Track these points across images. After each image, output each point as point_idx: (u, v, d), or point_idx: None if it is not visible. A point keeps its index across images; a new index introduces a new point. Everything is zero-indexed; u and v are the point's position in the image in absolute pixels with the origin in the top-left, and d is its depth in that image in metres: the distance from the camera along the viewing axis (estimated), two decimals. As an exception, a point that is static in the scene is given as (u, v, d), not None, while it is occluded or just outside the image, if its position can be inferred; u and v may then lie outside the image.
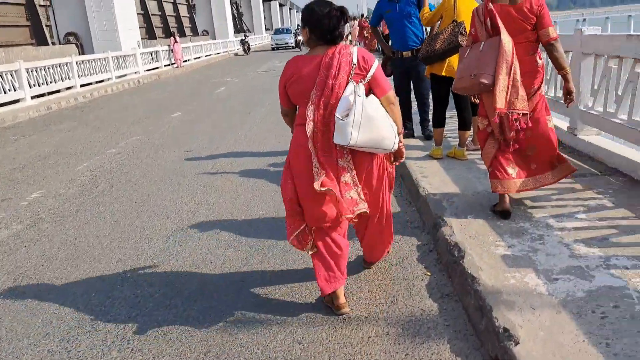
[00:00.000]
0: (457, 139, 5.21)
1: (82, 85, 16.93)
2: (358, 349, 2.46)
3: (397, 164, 2.83)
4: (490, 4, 3.34)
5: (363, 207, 2.65)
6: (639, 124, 4.17)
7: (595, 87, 4.89)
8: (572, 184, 4.12)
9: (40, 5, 19.82)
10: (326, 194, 2.55)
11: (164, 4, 32.99)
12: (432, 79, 5.17)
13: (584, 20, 53.66)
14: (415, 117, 6.26)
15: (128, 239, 4.11)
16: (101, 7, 20.99)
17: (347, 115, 2.43)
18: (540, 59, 3.49)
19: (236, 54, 36.71)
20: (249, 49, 35.33)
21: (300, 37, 32.67)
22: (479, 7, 3.49)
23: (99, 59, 18.27)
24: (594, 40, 4.76)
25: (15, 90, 13.24)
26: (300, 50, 31.77)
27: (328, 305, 2.81)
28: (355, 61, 2.48)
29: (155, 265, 3.60)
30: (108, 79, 18.61)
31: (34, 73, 14.24)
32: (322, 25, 2.48)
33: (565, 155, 3.81)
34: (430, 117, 5.53)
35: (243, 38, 36.15)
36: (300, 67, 2.53)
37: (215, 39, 37.97)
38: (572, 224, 3.34)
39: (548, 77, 5.93)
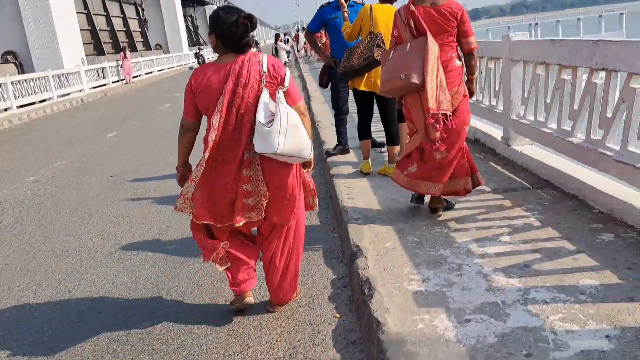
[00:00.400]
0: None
1: (21, 106, 16.10)
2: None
3: (307, 172, 2.82)
4: (412, 5, 3.37)
5: (255, 216, 2.57)
6: (568, 134, 3.95)
7: (526, 94, 4.68)
8: (502, 200, 3.86)
9: (-26, 24, 18.85)
10: (224, 195, 2.51)
11: (112, 18, 32.07)
12: (353, 91, 4.88)
13: (536, 24, 55.22)
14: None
15: (13, 287, 3.62)
16: (40, 24, 20.12)
17: (272, 122, 2.37)
18: (459, 60, 3.53)
19: (191, 68, 36.00)
20: (204, 62, 34.69)
21: (255, 49, 31.51)
22: (401, 8, 3.47)
23: (38, 77, 17.43)
24: (521, 46, 4.56)
25: (-60, 115, 12.38)
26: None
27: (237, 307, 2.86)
28: (265, 69, 2.44)
29: (34, 317, 3.13)
30: (49, 99, 17.77)
31: (-37, 95, 13.38)
32: (229, 34, 2.43)
33: (477, 174, 3.70)
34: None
35: (197, 51, 35.50)
36: (210, 75, 2.45)
37: (169, 53, 37.19)
38: (495, 248, 3.05)
39: (482, 85, 5.73)
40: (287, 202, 2.63)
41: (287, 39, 26.53)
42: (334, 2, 5.40)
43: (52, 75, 18.07)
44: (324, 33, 13.71)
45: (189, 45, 44.49)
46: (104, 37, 30.41)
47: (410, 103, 3.46)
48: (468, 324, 2.31)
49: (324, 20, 5.57)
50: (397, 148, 4.79)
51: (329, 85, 5.75)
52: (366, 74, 4.60)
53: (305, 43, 19.55)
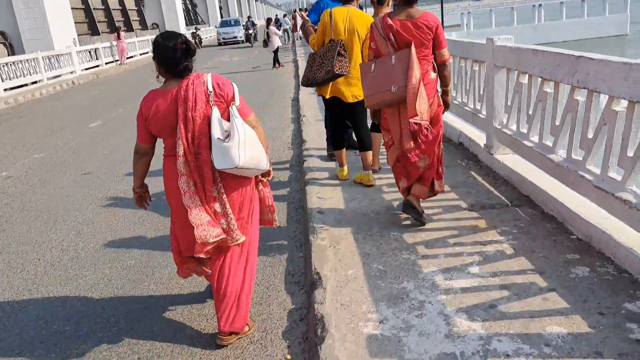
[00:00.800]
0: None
1: (11, 88, 15.80)
2: None
3: (266, 184, 2.88)
4: (388, 19, 3.37)
5: (233, 237, 2.59)
6: (549, 150, 3.73)
7: (509, 103, 4.44)
8: (477, 219, 3.66)
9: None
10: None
11: (107, -4, 31.46)
12: (323, 100, 4.65)
13: (540, 5, 54.31)
14: None
15: (-41, 307, 3.45)
16: (29, 3, 19.62)
17: (229, 137, 2.41)
18: (434, 72, 3.54)
19: (187, 48, 35.45)
20: (200, 42, 34.15)
21: (252, 31, 30.75)
22: (377, 21, 3.46)
23: (27, 59, 17.07)
24: (504, 52, 4.30)
25: None
26: (252, 46, 28.98)
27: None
28: (210, 89, 2.47)
29: (-27, 348, 2.96)
30: (39, 81, 17.45)
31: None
32: (168, 59, 2.47)
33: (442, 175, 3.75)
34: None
35: (194, 31, 34.94)
36: (159, 103, 2.50)
37: (165, 33, 36.51)
38: (462, 282, 2.86)
39: (467, 87, 5.48)
40: (245, 219, 2.67)
41: (281, 23, 25.97)
42: None
43: (42, 57, 17.71)
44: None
45: (187, 25, 43.80)
46: (99, 16, 29.82)
47: (390, 114, 3.51)
48: (419, 382, 2.13)
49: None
50: (370, 154, 4.60)
51: None
52: (330, 83, 4.36)
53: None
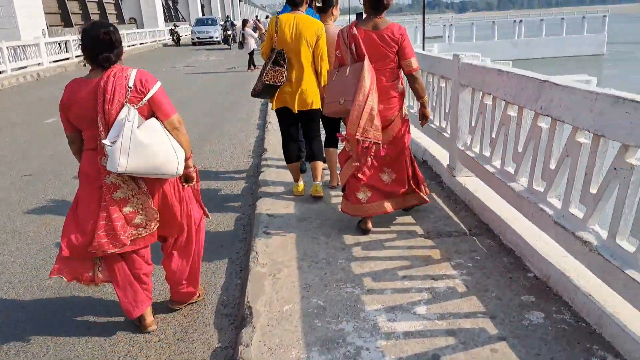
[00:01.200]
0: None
1: (-30, 79, 15.09)
2: None
3: (188, 186, 2.80)
4: (354, 28, 3.34)
5: (142, 231, 2.60)
6: (510, 178, 3.49)
7: (473, 123, 4.21)
8: (432, 249, 3.40)
9: None
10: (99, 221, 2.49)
11: (83, -12, 30.68)
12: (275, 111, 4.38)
13: (521, 21, 55.26)
14: None
15: None
16: (-4, -10, 18.90)
17: (116, 141, 2.37)
18: (401, 84, 3.56)
19: (165, 45, 34.80)
20: (178, 39, 33.52)
21: (230, 32, 29.59)
22: (345, 29, 3.43)
23: (-11, 49, 16.36)
24: (469, 71, 4.06)
25: None
26: (230, 48, 27.75)
27: (136, 323, 2.81)
28: (131, 84, 2.42)
29: None
30: (2, 72, 16.72)
31: None
32: (88, 48, 2.46)
33: (422, 188, 3.83)
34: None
35: (173, 28, 34.28)
36: (76, 91, 2.47)
37: (143, 28, 35.84)
38: (406, 324, 2.58)
39: (434, 104, 5.25)
40: (171, 215, 2.69)
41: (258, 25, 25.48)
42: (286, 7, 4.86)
43: (7, 47, 16.99)
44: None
45: (166, 21, 43.06)
46: (73, 7, 29.05)
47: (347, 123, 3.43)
48: None
49: None
50: (320, 164, 4.36)
51: None
52: (277, 92, 4.10)
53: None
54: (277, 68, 3.98)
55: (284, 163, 5.29)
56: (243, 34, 16.41)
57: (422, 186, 3.89)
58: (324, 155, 4.65)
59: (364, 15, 3.56)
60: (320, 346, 2.44)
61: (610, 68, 42.43)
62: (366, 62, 3.23)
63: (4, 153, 7.19)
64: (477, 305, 2.73)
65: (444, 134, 4.87)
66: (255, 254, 3.42)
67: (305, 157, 4.99)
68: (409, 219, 3.93)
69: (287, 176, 4.99)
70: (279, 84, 3.99)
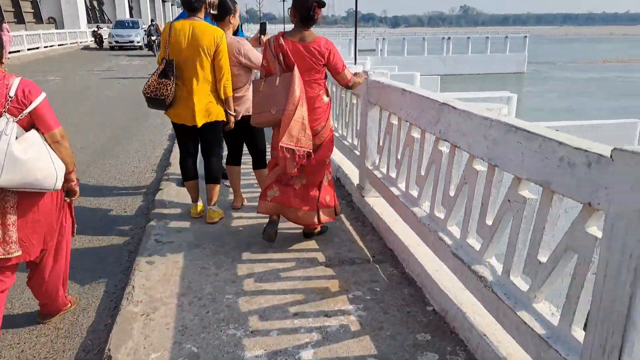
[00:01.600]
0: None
1: None
2: None
3: (70, 200, 2.68)
4: (281, 38, 3.32)
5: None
6: (413, 202, 3.32)
7: (381, 143, 4.03)
8: (330, 279, 3.15)
9: None
10: None
11: (-5, -18, 28.54)
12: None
13: (449, 38, 57.60)
14: None
15: None
16: None
17: None
18: (327, 96, 3.50)
19: (87, 47, 33.00)
20: (101, 42, 31.90)
21: (155, 37, 27.46)
22: (272, 39, 3.39)
23: None
24: (377, 88, 3.88)
25: None
26: (155, 54, 24.70)
27: None
28: (12, 94, 2.27)
29: None
30: None
31: None
32: None
33: (330, 204, 3.65)
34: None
35: (95, 30, 32.63)
36: None
37: (63, 28, 33.82)
38: (288, 374, 2.29)
39: (346, 120, 5.06)
40: (49, 224, 2.55)
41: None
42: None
43: None
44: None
45: (90, 22, 40.97)
46: (-17, 2, 26.92)
47: (276, 134, 3.45)
48: None
49: None
50: (216, 187, 4.03)
51: None
52: (168, 104, 3.76)
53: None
54: (163, 80, 3.64)
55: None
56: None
57: (333, 207, 3.70)
58: (228, 173, 4.33)
59: (283, 28, 3.35)
60: (183, 406, 2.10)
61: (530, 85, 45.09)
62: (296, 71, 3.23)
63: None
64: (369, 347, 2.48)
65: (355, 151, 4.67)
66: (131, 289, 3.01)
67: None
68: (311, 243, 3.67)
69: (188, 195, 4.60)
70: (161, 97, 3.64)
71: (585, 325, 1.78)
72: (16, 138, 2.25)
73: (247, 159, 4.36)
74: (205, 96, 3.77)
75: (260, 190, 4.32)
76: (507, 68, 54.21)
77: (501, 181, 2.41)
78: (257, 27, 4.39)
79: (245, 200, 4.45)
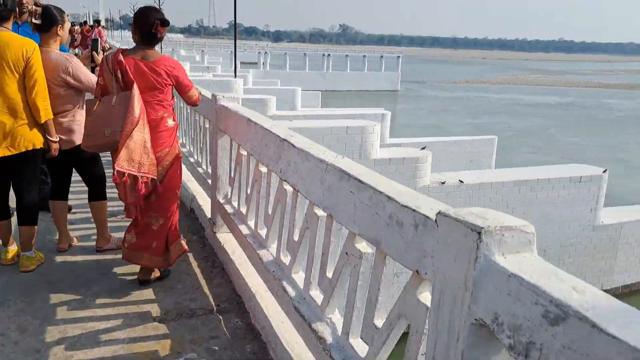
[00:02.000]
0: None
1: None
2: None
3: None
4: (120, 55, 3.04)
5: None
6: (260, 244, 3.00)
7: (232, 174, 3.69)
8: (162, 339, 2.72)
9: None
10: None
11: None
12: None
13: (329, 55, 59.40)
14: None
15: None
16: None
17: None
18: (174, 120, 3.23)
19: None
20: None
21: None
22: (110, 56, 3.09)
23: None
24: (225, 114, 3.55)
25: None
26: None
27: None
28: None
29: None
30: None
31: None
32: None
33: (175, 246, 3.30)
34: None
35: None
36: None
37: None
38: None
39: (201, 145, 4.65)
40: None
41: None
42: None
43: None
44: None
45: None
46: None
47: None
48: None
49: None
50: (32, 229, 3.41)
51: None
52: None
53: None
54: None
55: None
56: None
57: (176, 243, 3.33)
58: (51, 209, 3.69)
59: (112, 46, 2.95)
60: None
61: (403, 103, 47.99)
62: (135, 89, 2.96)
63: None
64: None
65: (209, 180, 4.28)
66: None
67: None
68: (148, 291, 3.20)
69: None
70: None
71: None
72: None
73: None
74: (14, 121, 3.16)
75: (96, 227, 3.79)
76: (383, 86, 57.35)
77: (341, 229, 2.18)
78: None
79: (76, 239, 3.83)
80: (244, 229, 3.28)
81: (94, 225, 3.80)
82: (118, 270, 3.43)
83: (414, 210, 1.51)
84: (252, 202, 3.24)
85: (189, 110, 4.97)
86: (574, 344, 0.97)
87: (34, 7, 3.51)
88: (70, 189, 3.78)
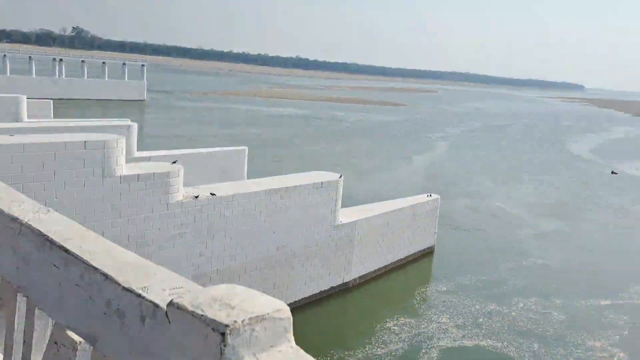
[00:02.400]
0: None
1: None
2: None
3: None
4: None
5: None
6: None
7: None
8: None
9: None
10: None
11: None
12: None
13: (61, 60, 53.09)
14: None
15: None
16: None
17: None
18: None
19: None
20: None
21: None
22: None
23: None
24: None
25: None
26: None
27: None
28: None
29: None
30: None
31: None
32: None
33: None
34: None
35: None
36: None
37: None
38: None
39: None
40: None
41: None
42: None
43: None
44: None
45: None
46: None
47: None
48: None
49: None
50: None
51: None
52: None
53: None
54: None
55: None
56: None
57: None
58: None
59: None
60: None
61: (151, 113, 46.00)
62: None
63: None
64: None
65: None
66: None
67: None
68: None
69: None
70: None
71: None
72: None
73: None
74: None
75: None
76: (128, 95, 54.07)
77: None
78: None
79: None
80: None
81: None
82: None
83: (140, 296, 1.11)
84: None
85: None
86: None
87: None
88: None
